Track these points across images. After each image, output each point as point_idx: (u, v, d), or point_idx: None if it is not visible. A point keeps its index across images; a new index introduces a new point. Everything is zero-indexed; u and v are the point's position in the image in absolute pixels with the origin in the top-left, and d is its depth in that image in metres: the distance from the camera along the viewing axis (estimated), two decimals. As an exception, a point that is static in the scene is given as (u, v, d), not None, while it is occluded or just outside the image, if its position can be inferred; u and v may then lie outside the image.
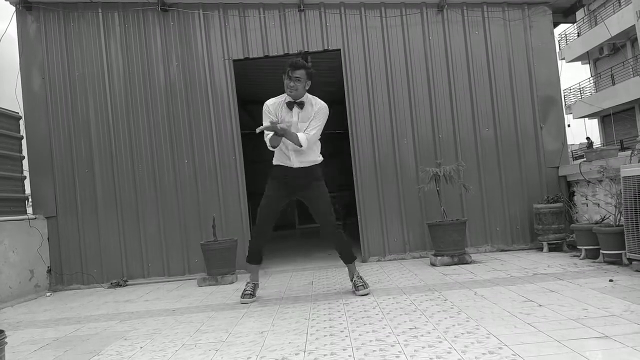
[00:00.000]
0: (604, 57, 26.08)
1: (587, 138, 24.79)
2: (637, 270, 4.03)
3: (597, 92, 26.15)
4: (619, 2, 23.58)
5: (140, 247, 6.08)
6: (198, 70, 6.20)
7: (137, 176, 6.13)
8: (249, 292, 4.27)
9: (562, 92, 6.64)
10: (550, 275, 4.24)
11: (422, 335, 2.79)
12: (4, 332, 2.33)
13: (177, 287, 5.47)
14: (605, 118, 26.38)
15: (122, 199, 6.12)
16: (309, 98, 4.14)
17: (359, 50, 6.15)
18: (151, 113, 6.17)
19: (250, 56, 6.20)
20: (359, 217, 6.06)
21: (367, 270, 5.29)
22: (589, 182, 5.45)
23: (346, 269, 4.35)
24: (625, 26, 20.53)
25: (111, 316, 4.24)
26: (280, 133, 3.84)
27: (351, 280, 4.23)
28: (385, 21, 6.17)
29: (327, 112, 4.17)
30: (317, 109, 4.10)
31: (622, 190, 4.28)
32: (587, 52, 26.62)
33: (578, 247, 5.00)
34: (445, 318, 3.12)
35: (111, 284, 5.92)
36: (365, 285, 4.13)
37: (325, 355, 2.61)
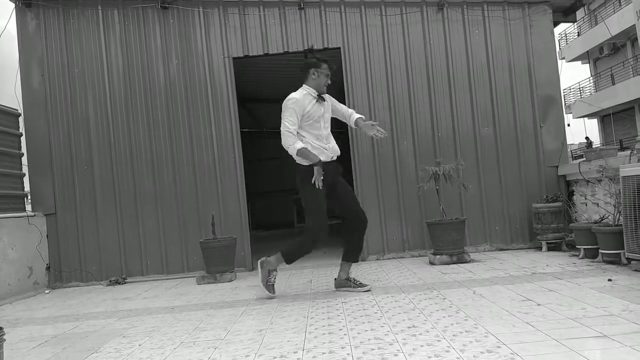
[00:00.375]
0: (604, 57, 26.07)
1: (587, 138, 24.75)
2: (635, 270, 4.04)
3: (596, 91, 26.15)
4: (619, 2, 23.56)
5: (139, 244, 6.08)
6: (198, 68, 6.19)
7: (136, 174, 6.13)
8: (273, 283, 4.28)
9: (561, 91, 6.63)
10: (549, 274, 4.24)
11: (420, 334, 2.80)
12: (3, 329, 2.32)
13: (176, 285, 5.47)
14: (605, 118, 26.37)
15: (121, 197, 6.11)
16: None
17: (359, 49, 6.14)
18: (150, 110, 6.17)
19: (250, 54, 6.19)
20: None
21: (366, 269, 5.29)
22: (588, 181, 5.45)
23: (344, 269, 4.35)
24: (626, 26, 20.51)
25: (110, 314, 4.24)
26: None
27: (348, 279, 4.27)
28: (386, 19, 6.17)
29: None
30: (329, 100, 4.32)
31: (621, 190, 4.28)
32: (587, 51, 26.60)
33: (577, 246, 5.00)
34: (444, 317, 3.12)
35: (110, 281, 5.92)
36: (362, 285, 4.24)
37: (323, 353, 2.61)
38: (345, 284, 4.25)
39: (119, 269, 6.05)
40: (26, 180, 6.20)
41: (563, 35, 28.87)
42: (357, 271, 4.99)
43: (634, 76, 22.16)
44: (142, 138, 6.15)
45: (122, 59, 6.21)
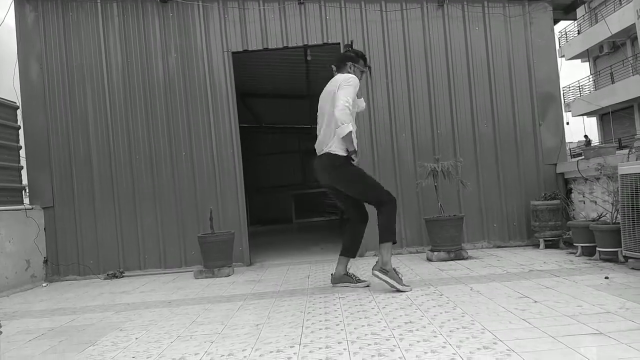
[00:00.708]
0: (603, 55, 26.05)
1: (585, 136, 24.80)
2: (633, 268, 4.04)
3: (596, 90, 26.14)
4: (620, 0, 23.54)
5: (137, 238, 6.08)
6: (197, 62, 6.18)
7: (134, 167, 6.12)
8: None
9: (561, 89, 6.63)
10: (546, 271, 4.25)
11: (417, 330, 2.80)
12: (0, 321, 2.32)
13: (174, 279, 5.47)
14: (604, 116, 26.39)
15: (120, 190, 6.11)
16: None
17: (359, 45, 6.11)
18: (149, 104, 6.15)
19: (250, 49, 6.17)
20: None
21: (364, 265, 5.29)
22: (587, 179, 5.45)
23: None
24: (626, 24, 20.50)
25: (107, 307, 4.24)
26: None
27: (347, 274, 4.27)
28: (385, 15, 6.15)
29: None
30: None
31: (619, 188, 4.28)
32: (587, 50, 26.58)
33: (574, 244, 5.01)
34: (441, 313, 3.13)
35: (107, 275, 5.92)
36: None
37: (320, 348, 2.61)
38: (346, 279, 4.23)
39: (117, 262, 6.05)
40: (24, 173, 6.18)
41: (563, 33, 28.85)
42: (355, 267, 5.00)
43: (633, 75, 22.15)
44: (141, 131, 6.14)
45: (121, 52, 6.19)
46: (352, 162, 3.96)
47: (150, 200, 6.10)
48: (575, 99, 27.71)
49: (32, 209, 5.96)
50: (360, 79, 4.13)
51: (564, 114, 6.55)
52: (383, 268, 3.89)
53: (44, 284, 5.87)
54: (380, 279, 3.90)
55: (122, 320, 3.70)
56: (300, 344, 2.71)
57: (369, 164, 6.05)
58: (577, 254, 4.92)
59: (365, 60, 4.23)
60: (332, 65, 4.20)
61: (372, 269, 3.95)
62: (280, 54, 7.61)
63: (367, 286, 4.15)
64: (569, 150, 16.86)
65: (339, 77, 3.99)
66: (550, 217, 5.56)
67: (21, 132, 6.16)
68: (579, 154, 17.34)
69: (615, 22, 21.57)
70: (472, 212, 5.97)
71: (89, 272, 6.05)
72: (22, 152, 6.18)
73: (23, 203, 6.07)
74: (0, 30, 6.07)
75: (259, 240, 9.24)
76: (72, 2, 6.21)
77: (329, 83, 4.10)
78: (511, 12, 6.15)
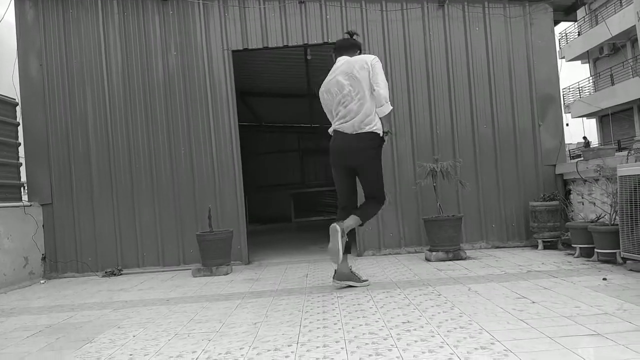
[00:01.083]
0: (603, 57, 26.06)
1: (584, 138, 24.82)
2: (631, 270, 4.05)
3: (596, 91, 26.15)
4: (620, 2, 23.54)
5: (136, 236, 6.08)
6: (197, 60, 6.17)
7: (133, 165, 6.11)
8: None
9: (561, 90, 6.63)
10: (544, 272, 4.25)
11: (415, 330, 2.80)
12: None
13: (172, 277, 5.47)
14: (604, 118, 26.40)
15: (118, 188, 6.10)
16: None
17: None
18: (149, 102, 6.15)
19: (250, 47, 6.17)
20: (355, 211, 6.06)
21: (362, 264, 5.29)
22: (586, 180, 5.46)
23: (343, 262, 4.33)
24: (626, 26, 20.50)
25: (105, 304, 4.24)
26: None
27: (352, 271, 4.23)
28: (386, 15, 6.15)
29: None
30: None
31: (618, 190, 4.28)
32: (587, 51, 26.59)
33: (573, 245, 5.01)
34: (439, 313, 3.13)
35: (106, 272, 5.91)
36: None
37: (317, 347, 2.61)
38: (351, 276, 4.14)
39: (115, 260, 6.05)
40: (23, 170, 6.18)
41: (563, 35, 28.85)
42: (353, 266, 4.99)
43: (633, 77, 22.17)
44: (140, 129, 6.14)
45: (121, 50, 6.19)
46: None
47: (149, 198, 6.09)
48: (575, 100, 27.72)
49: (30, 205, 5.95)
50: None
51: (563, 115, 6.55)
52: (344, 227, 3.93)
53: (42, 281, 5.86)
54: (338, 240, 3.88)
55: (119, 317, 3.70)
56: (297, 343, 2.71)
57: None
58: (576, 255, 4.92)
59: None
60: (334, 52, 4.21)
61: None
62: (281, 53, 7.61)
63: (368, 285, 4.15)
64: (568, 152, 16.86)
65: (365, 57, 3.99)
66: (549, 218, 5.57)
67: (20, 128, 6.16)
68: (578, 156, 17.34)
69: (615, 23, 21.57)
70: (470, 213, 5.98)
71: (87, 269, 6.05)
72: (21, 149, 6.18)
73: (22, 200, 6.07)
74: (0, 26, 6.06)
75: (257, 239, 9.24)
76: (72, -1, 6.20)
77: (343, 63, 4.05)
78: (511, 12, 6.15)
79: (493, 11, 6.14)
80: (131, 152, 6.12)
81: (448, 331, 2.72)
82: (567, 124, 25.26)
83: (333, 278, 4.17)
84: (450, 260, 5.20)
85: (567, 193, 5.95)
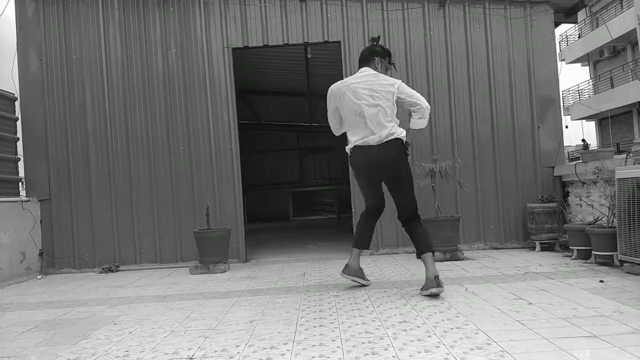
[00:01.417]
0: (604, 60, 26.08)
1: (583, 140, 24.85)
2: (628, 272, 4.05)
3: (595, 94, 26.17)
4: (621, 5, 23.56)
5: (133, 233, 6.07)
6: (197, 57, 6.16)
7: (132, 162, 6.11)
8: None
9: (560, 92, 6.63)
10: (541, 274, 4.25)
11: (411, 329, 2.80)
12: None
13: (169, 274, 5.46)
14: (603, 121, 26.43)
15: (117, 185, 6.09)
16: None
17: (359, 43, 6.11)
18: (148, 98, 6.14)
19: (250, 45, 6.16)
20: (353, 210, 6.06)
21: (360, 264, 5.28)
22: (584, 183, 5.46)
23: (339, 262, 4.32)
24: (627, 29, 20.52)
25: (101, 301, 4.23)
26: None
27: (360, 268, 4.13)
28: (387, 15, 6.14)
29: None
30: None
31: (616, 192, 4.28)
32: (587, 54, 26.60)
33: (570, 247, 5.01)
34: (435, 313, 3.13)
35: (103, 269, 5.91)
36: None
37: (313, 345, 2.61)
38: (360, 274, 4.07)
39: (112, 257, 6.04)
40: (21, 165, 6.17)
41: (564, 37, 28.86)
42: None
43: (633, 80, 22.18)
44: (139, 126, 6.13)
45: (121, 46, 6.17)
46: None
47: (147, 195, 6.08)
48: (574, 102, 27.75)
49: (28, 201, 5.94)
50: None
51: (562, 117, 6.56)
52: (436, 276, 3.65)
53: (38, 277, 5.85)
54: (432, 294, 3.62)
55: (116, 314, 3.69)
56: (293, 341, 2.70)
57: (367, 163, 6.04)
58: (573, 257, 4.92)
59: (390, 56, 4.14)
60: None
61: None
62: (281, 51, 7.61)
63: (369, 285, 4.12)
64: (567, 154, 16.89)
65: (389, 79, 3.92)
66: (547, 219, 5.57)
67: (19, 123, 6.15)
68: (577, 158, 17.35)
69: (616, 26, 21.59)
70: (469, 213, 5.98)
71: (84, 265, 6.04)
72: (20, 144, 6.17)
73: (19, 195, 6.06)
74: (0, 21, 6.04)
75: (255, 237, 9.23)
76: (73, -5, 6.19)
77: (366, 75, 3.92)
78: (512, 14, 6.14)
79: (494, 12, 6.14)
80: (130, 149, 6.11)
81: (444, 331, 2.72)
82: (567, 126, 25.35)
83: (342, 271, 4.04)
84: (447, 260, 5.21)
85: (565, 195, 5.95)
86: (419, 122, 3.94)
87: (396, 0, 6.14)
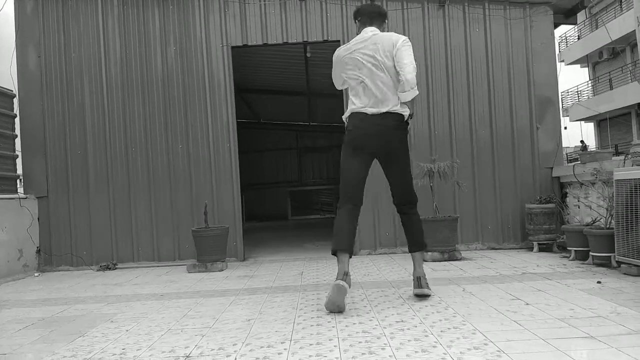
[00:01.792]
0: (603, 61, 26.11)
1: (582, 142, 24.86)
2: (625, 273, 4.05)
3: (594, 95, 26.21)
4: (621, 7, 23.59)
5: (131, 231, 6.06)
6: (196, 55, 6.15)
7: (130, 159, 6.10)
8: None
9: (559, 93, 6.64)
10: (539, 274, 4.26)
11: (408, 329, 2.80)
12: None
13: (167, 273, 5.45)
14: (602, 122, 26.46)
15: (115, 182, 6.08)
16: None
17: (359, 43, 6.11)
18: (147, 96, 6.13)
19: (249, 44, 6.16)
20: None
21: (358, 264, 5.29)
22: (582, 184, 5.46)
23: (334, 261, 4.24)
24: (626, 31, 20.54)
25: (99, 298, 4.22)
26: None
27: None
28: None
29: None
30: None
31: (614, 193, 4.29)
32: (587, 55, 26.63)
33: (568, 248, 5.02)
34: (433, 313, 3.13)
35: (100, 266, 5.90)
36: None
37: (311, 344, 2.61)
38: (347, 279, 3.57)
39: (110, 254, 6.03)
40: (19, 162, 6.15)
41: (563, 38, 28.89)
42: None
43: (632, 82, 22.21)
44: (138, 123, 6.12)
45: (120, 43, 6.16)
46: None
47: (145, 193, 6.08)
48: (573, 104, 27.78)
49: (26, 198, 5.93)
50: None
51: (561, 118, 6.56)
52: (419, 277, 3.57)
53: (36, 274, 5.84)
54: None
55: (113, 311, 3.69)
56: (291, 340, 2.70)
57: (366, 162, 6.04)
58: (571, 257, 4.93)
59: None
60: (359, 19, 3.69)
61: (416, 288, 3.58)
62: (280, 50, 7.60)
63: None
64: (565, 155, 16.91)
65: (394, 37, 3.56)
66: (545, 220, 5.57)
67: (17, 120, 6.13)
68: (576, 159, 17.38)
69: (615, 28, 21.61)
70: (467, 214, 5.98)
71: (81, 263, 6.03)
72: (18, 141, 6.15)
73: (17, 192, 6.04)
74: (-1, 17, 6.03)
75: (253, 236, 9.23)
76: (72, -8, 6.17)
77: (368, 43, 3.53)
78: (512, 14, 6.14)
79: (493, 12, 6.14)
80: (128, 146, 6.10)
81: (441, 331, 2.72)
82: (565, 127, 25.33)
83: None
84: (445, 260, 5.21)
85: (564, 196, 5.96)
86: (401, 95, 3.49)
87: (396, 0, 6.14)
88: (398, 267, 5.00)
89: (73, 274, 5.79)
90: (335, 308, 3.24)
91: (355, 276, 4.50)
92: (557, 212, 5.65)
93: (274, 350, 2.55)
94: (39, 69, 6.14)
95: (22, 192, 6.09)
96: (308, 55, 7.79)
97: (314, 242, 7.77)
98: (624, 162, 4.76)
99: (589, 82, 27.48)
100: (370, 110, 3.52)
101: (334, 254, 3.45)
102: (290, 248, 7.12)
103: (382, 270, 4.88)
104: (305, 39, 6.16)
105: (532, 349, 2.37)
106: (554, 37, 6.37)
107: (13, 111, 6.10)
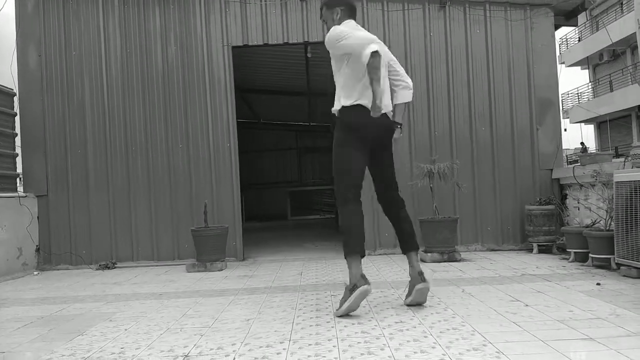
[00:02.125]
0: (603, 63, 26.12)
1: (582, 143, 24.88)
2: (624, 275, 4.05)
3: (595, 97, 26.21)
4: (621, 9, 23.60)
5: (131, 230, 6.06)
6: (196, 54, 6.15)
7: (130, 158, 6.09)
8: None
9: (560, 95, 6.64)
10: (538, 276, 4.25)
11: (407, 330, 2.80)
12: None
13: (166, 272, 5.45)
14: (602, 124, 26.47)
15: (114, 181, 6.08)
16: None
17: (359, 43, 6.11)
18: (147, 95, 6.13)
19: (250, 43, 6.15)
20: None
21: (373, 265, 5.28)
22: (582, 185, 5.46)
23: (336, 262, 4.29)
24: (626, 33, 20.55)
25: (98, 297, 4.22)
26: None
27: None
28: (387, 15, 6.14)
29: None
30: None
31: (614, 195, 4.29)
32: (587, 57, 26.64)
33: (567, 249, 5.01)
34: (432, 314, 3.13)
35: (99, 265, 5.89)
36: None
37: (310, 344, 2.61)
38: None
39: (109, 253, 6.03)
40: (19, 160, 6.15)
41: (564, 40, 28.91)
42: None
43: (632, 84, 22.22)
44: (138, 122, 6.12)
45: (120, 42, 6.16)
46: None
47: (145, 192, 6.07)
48: (573, 105, 27.79)
49: (25, 196, 5.93)
50: None
51: (561, 120, 6.56)
52: (420, 272, 3.41)
53: (35, 273, 5.84)
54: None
55: (112, 311, 3.69)
56: (290, 340, 2.70)
57: (366, 163, 6.04)
58: (570, 259, 4.92)
59: None
60: (342, 8, 3.77)
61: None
62: (281, 50, 7.59)
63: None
64: (565, 157, 16.90)
65: (389, 53, 3.82)
66: (545, 222, 5.57)
67: (17, 119, 6.13)
68: (575, 161, 17.39)
69: (616, 30, 21.62)
70: (466, 215, 5.98)
71: (81, 262, 6.03)
72: (18, 140, 6.15)
73: (17, 190, 6.04)
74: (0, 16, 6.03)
75: (253, 235, 9.23)
76: (73, -10, 6.17)
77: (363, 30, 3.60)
78: (512, 16, 6.14)
79: (494, 14, 6.14)
80: (128, 145, 6.10)
81: (441, 332, 2.72)
82: (565, 129, 25.38)
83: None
84: (445, 261, 5.21)
85: (563, 197, 5.96)
86: (407, 95, 3.62)
87: (397, 1, 6.14)
88: (397, 267, 5.00)
89: (72, 272, 5.78)
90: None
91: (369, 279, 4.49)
92: (556, 213, 5.65)
93: (273, 350, 2.55)
94: (39, 68, 6.14)
95: (22, 190, 6.09)
96: (309, 55, 7.78)
97: (313, 242, 7.77)
98: (624, 164, 4.76)
99: (589, 84, 27.49)
100: (383, 104, 3.34)
101: (351, 256, 3.22)
102: (290, 248, 7.12)
103: (381, 270, 4.88)
104: (305, 39, 6.16)
105: (531, 350, 2.36)
106: (554, 38, 6.37)
107: (13, 110, 6.10)
